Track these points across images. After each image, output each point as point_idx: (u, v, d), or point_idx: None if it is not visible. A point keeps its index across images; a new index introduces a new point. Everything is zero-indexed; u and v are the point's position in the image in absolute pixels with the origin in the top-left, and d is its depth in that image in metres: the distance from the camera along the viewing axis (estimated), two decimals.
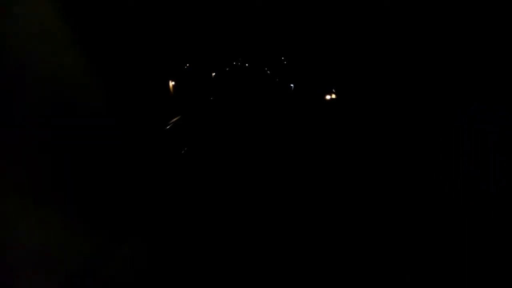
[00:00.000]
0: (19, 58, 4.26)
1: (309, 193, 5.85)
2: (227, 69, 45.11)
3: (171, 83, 15.00)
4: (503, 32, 4.05)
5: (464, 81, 4.33)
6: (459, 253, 3.79)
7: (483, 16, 4.19)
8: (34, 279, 3.22)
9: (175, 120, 11.99)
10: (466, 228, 3.84)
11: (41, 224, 3.63)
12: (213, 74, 29.79)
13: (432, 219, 4.24)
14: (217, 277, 3.66)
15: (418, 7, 5.42)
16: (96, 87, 5.82)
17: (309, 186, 6.26)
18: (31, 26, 4.38)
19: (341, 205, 5.42)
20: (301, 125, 12.19)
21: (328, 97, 12.93)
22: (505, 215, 3.66)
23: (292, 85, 22.57)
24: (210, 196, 5.64)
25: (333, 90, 12.52)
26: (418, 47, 5.60)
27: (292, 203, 5.34)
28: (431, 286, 3.82)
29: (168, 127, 11.06)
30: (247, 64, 55.80)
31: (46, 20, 4.74)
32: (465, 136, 4.02)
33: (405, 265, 3.98)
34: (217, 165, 7.73)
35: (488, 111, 3.95)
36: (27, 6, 4.33)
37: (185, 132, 11.43)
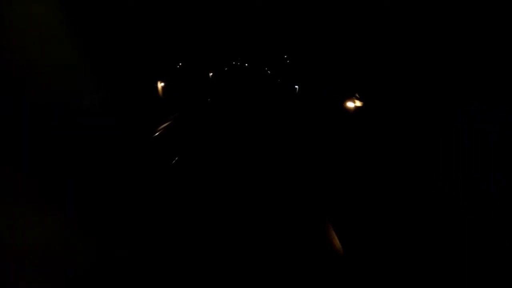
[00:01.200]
0: (19, 58, 4.65)
1: (311, 201, 6.01)
2: (226, 69, 45.73)
3: (161, 84, 14.12)
4: (502, 32, 4.42)
5: (464, 81, 4.68)
6: (459, 253, 4.10)
7: (483, 16, 4.56)
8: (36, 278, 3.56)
9: (166, 125, 11.46)
10: (466, 228, 4.15)
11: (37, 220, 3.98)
12: (211, 74, 30.27)
13: (432, 219, 4.57)
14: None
15: (418, 6, 5.82)
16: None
17: (310, 196, 6.19)
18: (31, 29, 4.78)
19: (341, 207, 5.79)
20: (309, 137, 10.75)
21: (351, 104, 9.79)
22: (505, 215, 3.98)
23: (296, 86, 21.13)
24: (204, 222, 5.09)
25: (357, 95, 9.60)
26: (417, 47, 5.98)
27: (294, 228, 5.11)
28: (431, 286, 4.13)
29: (157, 133, 10.53)
30: (246, 64, 56.51)
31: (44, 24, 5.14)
32: (465, 136, 4.37)
33: (405, 264, 4.29)
34: (212, 180, 7.01)
35: (488, 111, 4.30)
36: (27, 9, 4.74)
37: (177, 139, 10.70)
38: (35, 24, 4.43)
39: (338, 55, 13.38)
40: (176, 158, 8.30)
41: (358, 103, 9.44)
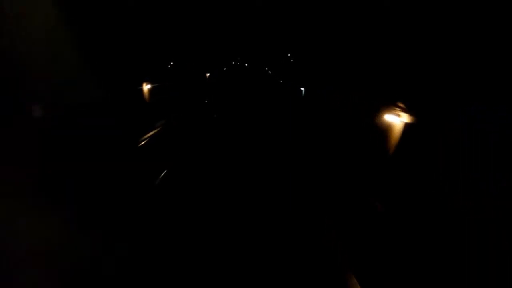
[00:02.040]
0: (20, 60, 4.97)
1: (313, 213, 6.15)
2: (224, 69, 46.24)
3: (147, 86, 12.77)
4: (503, 31, 4.76)
5: (464, 81, 5.01)
6: (459, 253, 4.38)
7: (483, 15, 4.90)
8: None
9: (153, 134, 10.88)
10: (466, 228, 4.44)
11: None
12: (208, 74, 30.63)
13: (433, 218, 4.87)
14: None
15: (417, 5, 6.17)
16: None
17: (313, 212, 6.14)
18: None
19: (340, 208, 6.10)
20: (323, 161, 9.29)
21: (392, 119, 6.44)
22: (505, 215, 4.27)
23: (302, 89, 19.80)
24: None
25: (401, 105, 6.28)
26: (417, 46, 6.30)
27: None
28: (431, 286, 4.41)
29: (142, 143, 9.95)
30: (246, 64, 57.11)
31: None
32: (465, 136, 4.68)
33: (405, 265, 4.58)
34: (207, 201, 6.40)
35: (488, 111, 4.63)
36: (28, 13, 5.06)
37: (166, 150, 10.10)
38: (36, 25, 4.78)
39: (363, 47, 9.89)
40: (166, 171, 7.71)
41: (405, 118, 6.04)
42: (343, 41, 11.82)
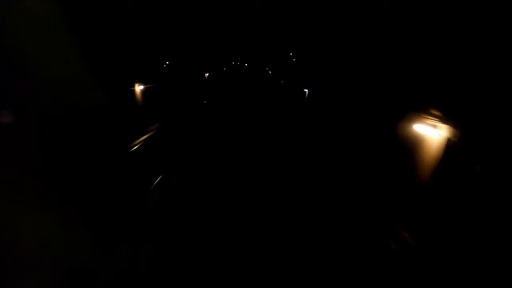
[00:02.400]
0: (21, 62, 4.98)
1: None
2: (224, 69, 46.29)
3: (139, 87, 12.03)
4: (503, 32, 4.77)
5: (465, 83, 5.00)
6: (459, 253, 4.39)
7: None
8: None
9: (146, 138, 10.51)
10: (467, 228, 4.45)
11: None
12: (207, 74, 30.62)
13: (433, 218, 4.87)
14: None
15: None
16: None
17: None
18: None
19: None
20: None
21: (425, 130, 4.91)
22: (505, 215, 4.28)
23: (306, 90, 18.89)
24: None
25: (435, 112, 4.80)
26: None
27: None
28: (433, 286, 4.42)
29: (134, 148, 9.53)
30: (246, 64, 57.25)
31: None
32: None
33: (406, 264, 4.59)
34: (203, 212, 6.20)
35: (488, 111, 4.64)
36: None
37: (160, 155, 9.74)
38: (44, 30, 4.85)
39: (378, 39, 7.89)
40: (160, 177, 7.42)
41: (443, 130, 4.48)
42: (355, 36, 10.05)
